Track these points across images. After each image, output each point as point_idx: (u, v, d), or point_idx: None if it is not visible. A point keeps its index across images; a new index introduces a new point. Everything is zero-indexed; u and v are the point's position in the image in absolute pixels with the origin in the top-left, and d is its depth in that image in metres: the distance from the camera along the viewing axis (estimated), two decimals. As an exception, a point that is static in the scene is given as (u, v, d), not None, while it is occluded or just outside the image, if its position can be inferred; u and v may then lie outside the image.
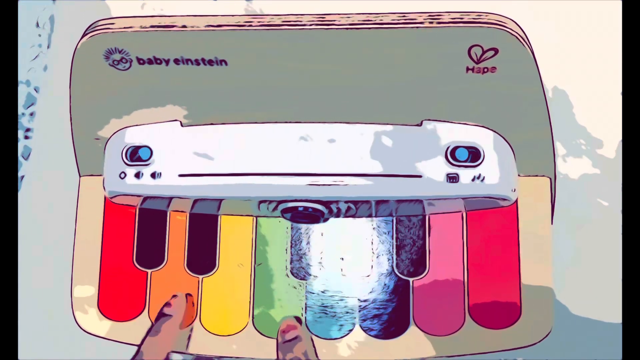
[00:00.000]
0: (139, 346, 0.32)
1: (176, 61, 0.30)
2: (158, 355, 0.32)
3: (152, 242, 0.37)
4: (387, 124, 0.31)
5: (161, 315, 0.34)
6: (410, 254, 0.36)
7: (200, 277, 0.36)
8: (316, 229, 0.36)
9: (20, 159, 0.39)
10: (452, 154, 0.31)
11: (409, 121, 0.31)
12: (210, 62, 0.30)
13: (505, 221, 0.35)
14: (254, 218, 0.36)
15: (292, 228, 0.36)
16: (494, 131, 0.31)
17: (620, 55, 0.35)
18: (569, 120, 0.36)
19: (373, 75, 0.30)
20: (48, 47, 0.39)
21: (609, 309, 0.35)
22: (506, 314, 0.34)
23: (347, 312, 0.35)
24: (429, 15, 0.29)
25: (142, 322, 0.36)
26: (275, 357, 0.34)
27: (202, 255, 0.36)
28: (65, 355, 0.37)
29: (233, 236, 0.36)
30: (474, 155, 0.31)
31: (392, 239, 0.36)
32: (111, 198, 0.33)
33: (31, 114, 0.39)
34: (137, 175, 0.32)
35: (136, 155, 0.32)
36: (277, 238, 0.36)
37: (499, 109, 0.31)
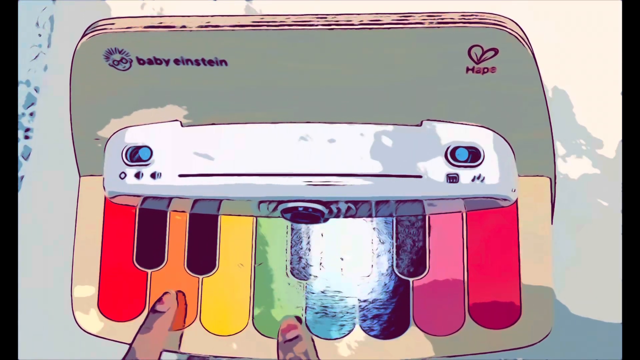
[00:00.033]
0: (130, 344, 0.32)
1: (176, 61, 0.30)
2: (151, 353, 0.32)
3: (152, 242, 0.37)
4: (387, 124, 0.31)
5: (152, 311, 0.34)
6: (410, 254, 0.36)
7: (200, 277, 0.36)
8: (316, 229, 0.36)
9: (20, 159, 0.39)
10: (452, 154, 0.31)
11: (409, 121, 0.31)
12: (210, 62, 0.30)
13: (505, 221, 0.35)
14: (254, 218, 0.36)
15: (292, 228, 0.36)
16: (494, 131, 0.31)
17: (620, 55, 0.35)
18: (569, 120, 0.36)
19: (373, 76, 0.30)
20: (48, 47, 0.39)
21: (609, 309, 0.35)
22: (506, 314, 0.34)
23: (347, 312, 0.35)
24: (429, 16, 0.29)
25: (142, 322, 0.36)
26: (276, 357, 0.34)
27: (202, 255, 0.36)
28: (65, 355, 0.37)
29: (233, 236, 0.36)
30: (474, 155, 0.31)
31: (392, 239, 0.36)
32: (111, 198, 0.33)
33: (31, 114, 0.39)
34: (137, 175, 0.32)
35: (136, 155, 0.32)
36: (277, 238, 0.36)
37: (499, 109, 0.31)
